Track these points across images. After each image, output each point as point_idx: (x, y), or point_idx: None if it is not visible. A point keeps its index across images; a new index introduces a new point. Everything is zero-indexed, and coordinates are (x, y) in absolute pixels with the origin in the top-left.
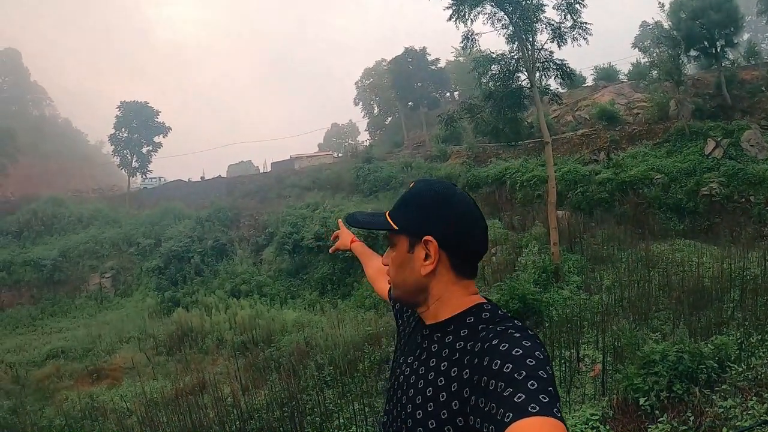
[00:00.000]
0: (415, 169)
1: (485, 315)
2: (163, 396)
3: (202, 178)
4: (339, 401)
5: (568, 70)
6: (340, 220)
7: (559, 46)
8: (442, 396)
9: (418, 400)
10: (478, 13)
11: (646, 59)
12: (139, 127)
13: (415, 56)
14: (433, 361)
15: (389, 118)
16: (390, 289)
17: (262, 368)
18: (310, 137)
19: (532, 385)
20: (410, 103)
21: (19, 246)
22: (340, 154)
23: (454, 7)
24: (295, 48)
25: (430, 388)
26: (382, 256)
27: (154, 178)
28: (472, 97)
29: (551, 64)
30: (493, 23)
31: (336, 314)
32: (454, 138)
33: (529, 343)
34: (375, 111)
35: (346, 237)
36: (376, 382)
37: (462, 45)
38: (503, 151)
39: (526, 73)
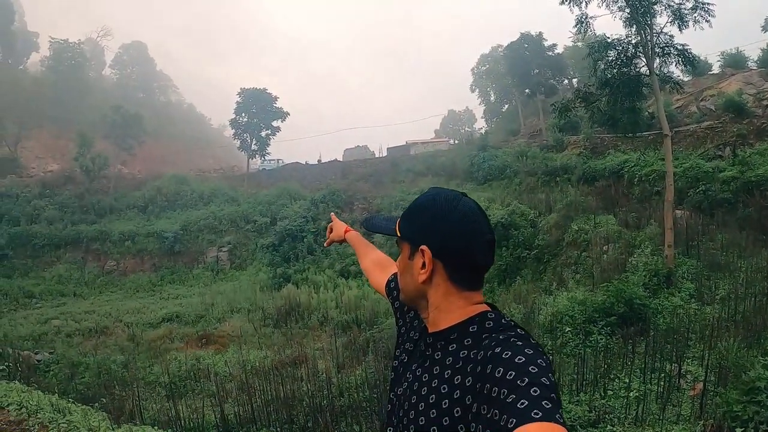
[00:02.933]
0: (531, 158)
1: (488, 324)
2: (264, 365)
3: (318, 161)
4: None
5: (691, 56)
6: (333, 213)
7: (680, 29)
8: (445, 403)
9: (421, 407)
10: None
11: None
12: (258, 112)
13: (531, 41)
14: (436, 369)
15: (506, 106)
16: (388, 284)
17: (361, 348)
18: (426, 123)
19: (535, 391)
20: (527, 90)
21: (144, 219)
22: (456, 141)
23: None
24: (413, 33)
25: (433, 396)
26: (377, 248)
27: (273, 160)
28: (588, 84)
29: (672, 49)
30: (608, 5)
31: None
32: (571, 127)
33: (532, 352)
34: (491, 98)
35: (339, 228)
36: None
37: (576, 29)
38: (622, 143)
39: (644, 59)
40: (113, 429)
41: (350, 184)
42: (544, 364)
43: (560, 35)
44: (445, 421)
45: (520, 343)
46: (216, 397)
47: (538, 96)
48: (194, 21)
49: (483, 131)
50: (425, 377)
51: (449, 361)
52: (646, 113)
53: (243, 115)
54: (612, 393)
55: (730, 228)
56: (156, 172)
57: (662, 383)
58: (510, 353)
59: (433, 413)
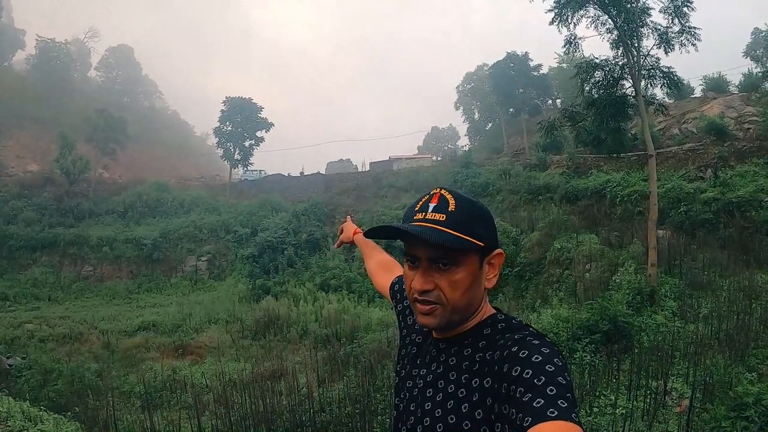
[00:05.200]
0: (514, 177)
1: (501, 325)
2: (242, 378)
3: (301, 173)
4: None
5: (675, 78)
6: (348, 215)
7: (666, 53)
8: (464, 407)
9: (438, 413)
10: (581, 17)
11: (758, 69)
12: (242, 121)
13: (517, 61)
14: (453, 375)
15: (489, 124)
16: (391, 286)
17: (341, 363)
18: (409, 139)
19: (551, 390)
20: (511, 110)
21: (123, 225)
22: (439, 158)
23: (556, 11)
24: (396, 49)
25: (451, 401)
26: (384, 251)
27: (255, 170)
28: (574, 104)
29: (657, 71)
30: (596, 27)
31: None
32: (555, 146)
33: (548, 350)
34: (475, 116)
35: (349, 229)
36: None
37: (564, 50)
38: (604, 163)
39: (631, 80)
40: None
41: (332, 198)
42: (560, 363)
43: (545, 56)
44: (466, 425)
45: (537, 342)
46: (193, 409)
47: (522, 115)
48: (183, 28)
49: (466, 148)
50: (441, 383)
51: (465, 365)
52: (630, 134)
53: (227, 124)
54: (598, 410)
55: (712, 248)
56: (137, 178)
57: (648, 400)
58: (527, 352)
59: (452, 418)
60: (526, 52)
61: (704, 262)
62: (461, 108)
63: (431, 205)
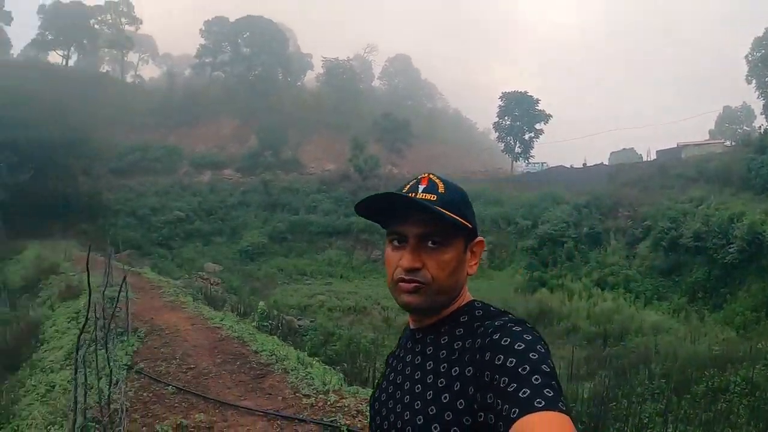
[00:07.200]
0: None
1: (478, 312)
2: None
3: (583, 164)
4: (656, 418)
5: None
6: None
7: None
8: (445, 397)
9: (417, 405)
10: None
11: None
12: (520, 115)
13: None
14: (430, 364)
15: None
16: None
17: (600, 363)
18: (700, 121)
19: (536, 379)
20: None
21: None
22: (732, 143)
23: None
24: (671, 21)
25: (430, 392)
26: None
27: (537, 163)
28: None
29: None
30: None
31: (700, 327)
32: None
33: (530, 337)
34: None
35: None
36: (704, 411)
37: None
38: None
39: None
40: (343, 387)
41: (615, 190)
42: (543, 350)
43: None
44: (448, 416)
45: (518, 329)
46: None
47: None
48: (451, 29)
49: (762, 130)
50: (417, 374)
51: (443, 353)
52: None
53: (506, 118)
54: None
55: None
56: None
57: None
58: (509, 340)
59: (432, 410)
60: None
61: None
62: (753, 81)
63: (421, 187)
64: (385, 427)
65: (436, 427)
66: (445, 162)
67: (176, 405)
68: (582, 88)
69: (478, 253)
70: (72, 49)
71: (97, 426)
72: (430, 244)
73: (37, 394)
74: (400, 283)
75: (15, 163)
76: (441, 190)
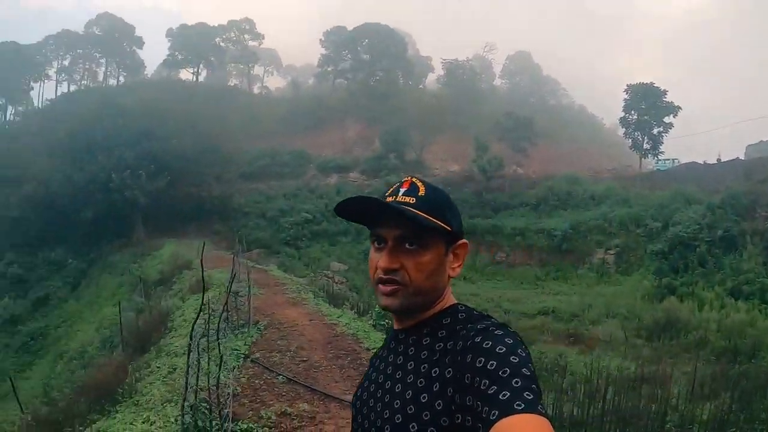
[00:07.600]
0: None
1: (461, 315)
2: (620, 376)
3: (718, 160)
4: None
5: None
6: None
7: None
8: (424, 397)
9: (396, 404)
10: None
11: None
12: (647, 108)
13: None
14: (411, 365)
15: None
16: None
17: (728, 380)
18: None
19: (516, 382)
20: None
21: (535, 216)
22: None
23: None
24: None
25: (410, 391)
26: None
27: (668, 159)
28: None
29: None
30: None
31: None
32: None
33: (511, 341)
34: None
35: None
36: None
37: None
38: None
39: None
40: None
41: (753, 187)
42: (524, 354)
43: None
44: (426, 415)
45: (500, 333)
46: (560, 392)
47: None
48: (573, 21)
49: None
50: (399, 374)
51: (424, 354)
52: None
53: (632, 112)
54: None
55: None
56: (549, 173)
57: None
58: (490, 343)
59: (410, 409)
60: None
61: None
62: None
63: (402, 190)
64: (366, 426)
65: (413, 426)
66: (571, 160)
67: (284, 394)
68: (711, 76)
69: (461, 255)
70: (201, 66)
71: (206, 406)
72: (407, 245)
73: (160, 375)
74: (380, 285)
75: (153, 172)
76: (421, 192)
